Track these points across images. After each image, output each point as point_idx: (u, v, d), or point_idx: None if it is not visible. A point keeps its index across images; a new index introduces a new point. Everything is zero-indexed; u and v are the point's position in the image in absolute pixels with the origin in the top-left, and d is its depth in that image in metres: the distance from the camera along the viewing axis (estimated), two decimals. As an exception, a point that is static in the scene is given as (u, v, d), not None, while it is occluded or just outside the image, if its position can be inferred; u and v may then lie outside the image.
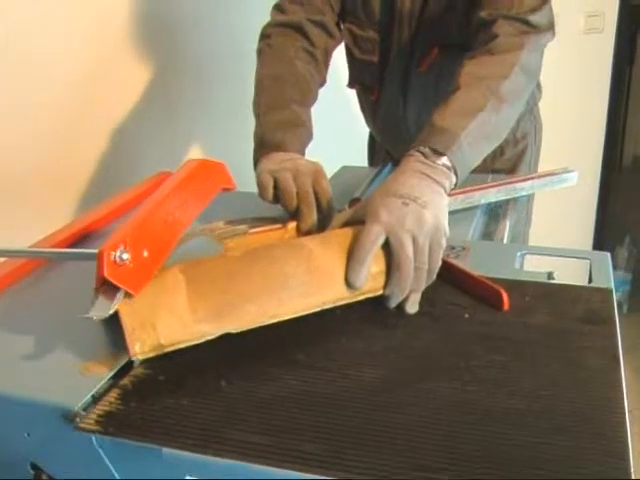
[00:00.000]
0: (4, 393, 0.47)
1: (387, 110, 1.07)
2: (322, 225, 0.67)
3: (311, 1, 0.93)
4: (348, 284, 0.56)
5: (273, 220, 0.66)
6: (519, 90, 0.78)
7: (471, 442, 0.41)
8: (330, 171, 0.90)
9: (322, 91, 0.93)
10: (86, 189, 1.06)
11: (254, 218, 0.67)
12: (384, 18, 0.96)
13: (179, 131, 1.29)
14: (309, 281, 0.55)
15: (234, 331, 0.52)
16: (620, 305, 2.48)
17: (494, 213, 0.89)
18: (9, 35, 0.88)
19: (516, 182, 0.90)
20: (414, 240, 0.57)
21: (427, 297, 0.59)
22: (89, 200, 1.04)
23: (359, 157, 1.32)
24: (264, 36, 0.93)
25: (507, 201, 0.90)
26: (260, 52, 0.92)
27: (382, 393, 0.47)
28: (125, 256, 0.49)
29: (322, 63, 0.94)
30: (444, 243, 0.60)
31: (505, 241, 0.85)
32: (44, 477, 0.50)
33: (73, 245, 0.74)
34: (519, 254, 0.69)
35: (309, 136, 0.82)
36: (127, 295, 0.49)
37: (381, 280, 0.58)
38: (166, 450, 0.42)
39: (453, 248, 0.69)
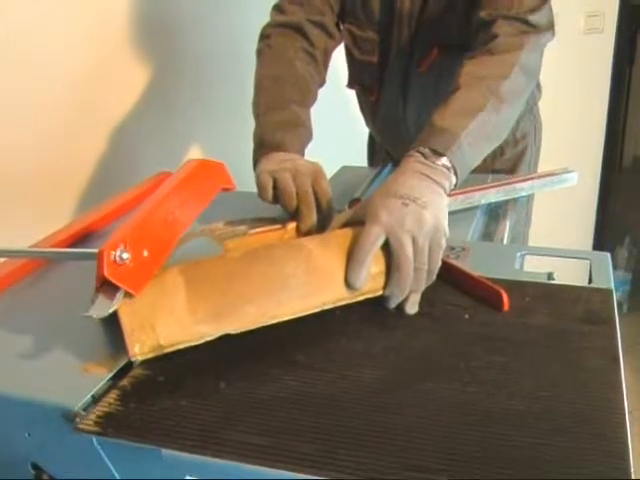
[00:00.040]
0: (4, 393, 0.47)
1: (387, 111, 1.07)
2: (322, 225, 0.67)
3: (311, 1, 0.93)
4: (348, 285, 0.56)
5: (273, 221, 0.66)
6: (519, 90, 0.78)
7: (471, 443, 0.41)
8: (330, 171, 0.90)
9: (322, 91, 0.93)
10: (86, 189, 1.06)
11: (254, 219, 0.67)
12: (384, 18, 0.96)
13: (179, 131, 1.29)
14: (309, 282, 0.55)
15: (233, 332, 0.52)
16: (620, 305, 2.48)
17: (494, 213, 0.89)
18: (9, 35, 0.88)
19: (516, 182, 0.90)
20: (414, 241, 0.57)
21: (427, 298, 0.59)
22: (89, 200, 1.04)
23: (359, 157, 1.32)
24: (264, 36, 0.93)
25: (507, 201, 0.90)
26: (260, 52, 0.92)
27: (382, 394, 0.46)
28: (125, 256, 0.49)
29: (322, 63, 0.94)
30: (444, 243, 0.59)
31: (505, 241, 0.85)
32: (45, 477, 0.50)
33: (73, 245, 0.74)
34: (519, 254, 0.69)
35: (309, 136, 0.82)
36: (127, 295, 0.49)
37: (381, 281, 0.58)
38: (165, 451, 0.41)
39: (453, 248, 0.69)
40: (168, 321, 0.50)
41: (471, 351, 0.52)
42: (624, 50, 2.32)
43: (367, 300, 0.58)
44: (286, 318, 0.54)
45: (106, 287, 0.49)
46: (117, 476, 0.46)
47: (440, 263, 0.59)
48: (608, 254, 0.68)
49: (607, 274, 0.64)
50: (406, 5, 0.93)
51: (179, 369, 0.50)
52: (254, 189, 0.72)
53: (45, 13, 0.94)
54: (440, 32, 0.93)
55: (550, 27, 0.82)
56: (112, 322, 0.50)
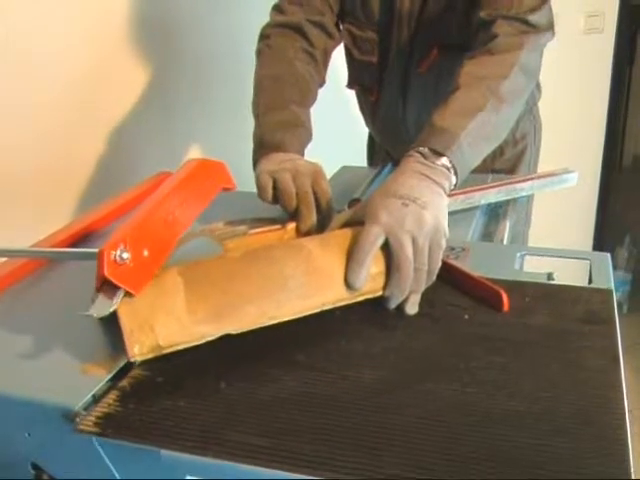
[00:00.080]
0: (4, 393, 0.47)
1: (386, 111, 1.07)
2: (321, 226, 0.67)
3: (310, 2, 0.93)
4: (347, 285, 0.56)
5: (272, 221, 0.66)
6: (519, 90, 0.78)
7: (471, 444, 0.41)
8: (330, 171, 0.91)
9: (322, 92, 0.93)
10: (86, 189, 1.06)
11: (253, 219, 0.67)
12: (383, 18, 0.96)
13: (179, 131, 1.29)
14: (308, 282, 0.55)
15: (233, 332, 0.52)
16: (620, 305, 2.48)
17: (494, 214, 0.89)
18: (9, 35, 0.88)
19: (516, 182, 0.90)
20: (414, 241, 0.57)
21: (427, 298, 0.59)
22: (89, 200, 1.04)
23: (359, 157, 1.32)
24: (263, 37, 0.93)
25: (507, 202, 0.90)
26: (259, 53, 0.92)
27: (382, 394, 0.46)
28: (125, 255, 0.49)
29: (321, 64, 0.94)
30: (444, 244, 0.59)
31: (505, 242, 0.85)
32: (45, 477, 0.50)
33: (73, 245, 0.74)
34: (519, 255, 0.69)
35: (308, 136, 0.82)
36: (127, 294, 0.49)
37: (381, 281, 0.58)
38: (165, 452, 0.41)
39: (453, 249, 0.69)
40: (167, 321, 0.50)
41: (471, 351, 0.52)
42: (624, 50, 2.32)
43: (367, 300, 0.58)
44: (286, 318, 0.54)
45: (106, 287, 0.49)
46: (117, 476, 0.46)
47: (440, 263, 0.59)
48: (608, 254, 0.68)
49: (607, 274, 0.64)
50: (406, 5, 0.93)
51: (179, 370, 0.50)
52: (254, 189, 0.72)
53: (45, 13, 0.94)
54: (440, 32, 0.93)
55: (550, 27, 0.82)
56: (112, 323, 0.50)
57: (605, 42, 2.24)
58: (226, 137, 1.39)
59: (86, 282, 0.51)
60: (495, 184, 0.89)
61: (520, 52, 0.77)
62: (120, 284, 0.48)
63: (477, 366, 0.50)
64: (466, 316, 0.57)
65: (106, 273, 0.47)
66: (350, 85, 1.11)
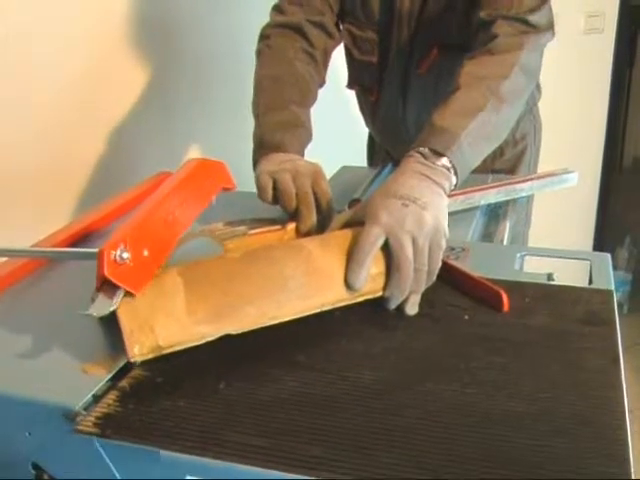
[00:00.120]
0: (5, 393, 0.47)
1: (386, 111, 1.07)
2: (321, 226, 0.67)
3: (310, 2, 0.93)
4: (348, 285, 0.56)
5: (272, 221, 0.66)
6: (519, 90, 0.78)
7: (470, 444, 0.41)
8: (330, 171, 0.91)
9: (322, 92, 0.93)
10: (86, 189, 1.06)
11: (253, 219, 0.67)
12: (383, 18, 0.96)
13: (179, 131, 1.29)
14: (308, 283, 0.55)
15: (233, 332, 0.52)
16: (620, 305, 2.48)
17: (494, 214, 0.89)
18: (9, 35, 0.88)
19: (516, 183, 0.90)
20: (414, 241, 0.57)
21: (427, 298, 0.59)
22: (89, 200, 1.04)
23: (359, 157, 1.32)
24: (263, 37, 0.93)
25: (507, 202, 0.90)
26: (259, 53, 0.91)
27: (381, 395, 0.46)
28: (125, 255, 0.49)
29: (321, 64, 0.94)
30: (444, 244, 0.59)
31: (505, 242, 0.85)
32: (45, 477, 0.50)
33: (73, 245, 0.74)
34: (519, 255, 0.69)
35: (308, 137, 0.82)
36: (127, 294, 0.49)
37: (381, 281, 0.58)
38: (164, 453, 0.41)
39: (453, 249, 0.69)
40: (167, 322, 0.50)
41: (471, 352, 0.52)
42: (624, 50, 2.32)
43: (367, 301, 0.58)
44: (286, 319, 0.54)
45: (106, 286, 0.49)
46: (118, 476, 0.46)
47: (440, 264, 0.59)
48: (608, 255, 0.68)
49: (607, 275, 0.64)
50: (406, 5, 0.93)
51: (178, 370, 0.50)
52: (254, 189, 0.72)
53: (45, 13, 0.94)
54: (440, 32, 0.93)
55: (550, 27, 0.82)
56: (112, 323, 0.50)
57: (605, 42, 2.24)
58: (226, 137, 1.39)
59: (86, 282, 0.51)
60: (495, 184, 0.89)
61: (520, 52, 0.77)
62: (120, 284, 0.48)
63: (477, 366, 0.50)
64: (466, 316, 0.57)
65: (106, 273, 0.47)
66: (350, 85, 1.11)
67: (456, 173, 0.67)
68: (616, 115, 2.40)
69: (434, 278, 0.60)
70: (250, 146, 0.79)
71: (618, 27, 2.22)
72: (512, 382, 0.48)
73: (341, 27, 1.00)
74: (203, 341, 0.51)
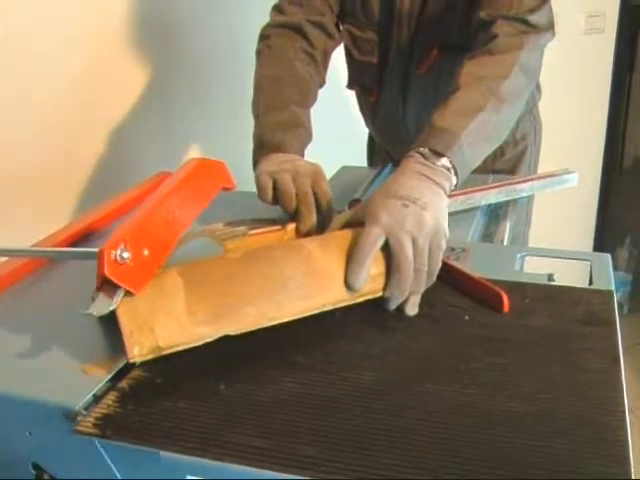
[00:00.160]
0: (5, 393, 0.47)
1: (386, 111, 1.07)
2: (321, 226, 0.67)
3: (310, 2, 0.93)
4: (347, 286, 0.56)
5: (272, 221, 0.66)
6: (519, 90, 0.78)
7: (470, 445, 0.41)
8: (330, 171, 0.90)
9: (322, 92, 0.93)
10: (86, 189, 1.06)
11: (253, 219, 0.67)
12: (383, 19, 0.96)
13: (179, 131, 1.29)
14: (308, 283, 0.55)
15: (233, 333, 0.52)
16: (621, 306, 2.48)
17: (494, 214, 0.89)
18: (9, 35, 0.88)
19: (516, 183, 0.90)
20: (414, 242, 0.57)
21: (427, 299, 0.59)
22: (89, 200, 1.04)
23: (359, 157, 1.32)
24: (263, 37, 0.93)
25: (507, 202, 0.90)
26: (259, 53, 0.91)
27: (381, 396, 0.46)
28: (125, 255, 0.49)
29: (321, 64, 0.94)
30: (444, 245, 0.59)
31: (505, 243, 0.85)
32: (45, 477, 0.50)
33: (74, 245, 0.74)
34: (519, 256, 0.68)
35: (308, 137, 0.82)
36: (127, 294, 0.49)
37: (381, 282, 0.58)
38: (164, 453, 0.41)
39: (453, 250, 0.69)
40: (167, 323, 0.50)
41: (471, 352, 0.52)
42: (625, 50, 2.31)
43: (367, 301, 0.58)
44: (286, 319, 0.54)
45: (107, 286, 0.49)
46: (118, 476, 0.46)
47: (440, 264, 0.59)
48: (609, 255, 0.68)
49: (608, 275, 0.63)
50: (406, 5, 0.93)
51: (178, 371, 0.50)
52: (254, 189, 0.72)
53: (45, 13, 0.94)
54: (440, 32, 0.93)
55: (550, 27, 0.82)
56: (112, 323, 0.50)
57: (605, 42, 2.24)
58: (226, 137, 1.39)
59: (86, 282, 0.51)
60: (495, 185, 0.89)
61: (520, 52, 0.77)
62: (120, 283, 0.48)
63: (477, 367, 0.49)
64: (466, 317, 0.57)
65: (106, 272, 0.47)
66: (350, 85, 1.11)
67: (456, 173, 0.67)
68: (616, 116, 2.40)
69: (434, 279, 0.59)
70: (250, 146, 0.79)
71: (619, 27, 2.22)
72: (512, 383, 0.47)
73: (341, 27, 1.00)
74: (202, 342, 0.51)
